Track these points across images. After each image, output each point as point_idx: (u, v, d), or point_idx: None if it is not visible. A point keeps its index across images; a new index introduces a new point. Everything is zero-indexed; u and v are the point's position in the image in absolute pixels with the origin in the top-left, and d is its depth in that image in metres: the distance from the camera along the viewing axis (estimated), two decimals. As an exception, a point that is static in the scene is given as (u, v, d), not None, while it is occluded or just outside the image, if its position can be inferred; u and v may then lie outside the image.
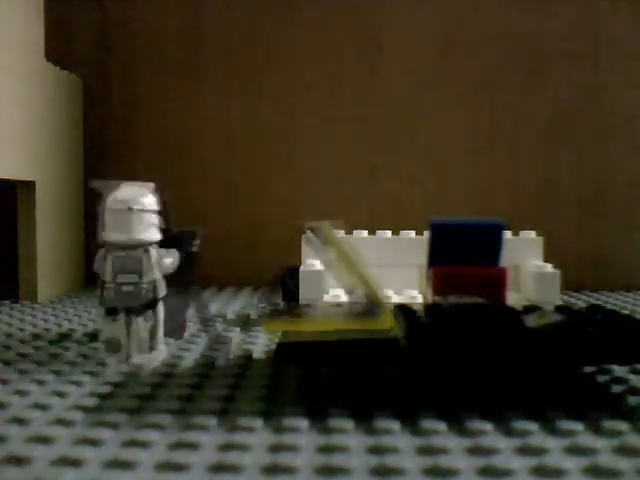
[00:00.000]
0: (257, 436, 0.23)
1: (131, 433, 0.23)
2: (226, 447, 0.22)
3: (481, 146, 0.62)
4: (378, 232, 0.46)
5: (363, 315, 0.29)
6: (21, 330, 0.41)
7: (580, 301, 0.53)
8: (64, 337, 0.39)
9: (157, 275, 0.32)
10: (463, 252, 0.34)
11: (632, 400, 0.27)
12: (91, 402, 0.27)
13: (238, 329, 0.41)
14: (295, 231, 0.36)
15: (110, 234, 0.30)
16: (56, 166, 0.55)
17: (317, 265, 0.42)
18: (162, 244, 0.31)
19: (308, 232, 0.33)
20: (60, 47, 0.61)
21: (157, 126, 0.63)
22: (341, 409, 0.25)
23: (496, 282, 0.33)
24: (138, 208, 0.30)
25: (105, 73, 0.63)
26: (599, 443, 0.22)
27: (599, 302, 0.53)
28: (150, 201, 0.31)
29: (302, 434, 0.23)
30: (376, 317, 0.27)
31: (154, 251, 0.30)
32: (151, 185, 0.32)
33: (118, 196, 0.31)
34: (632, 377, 0.30)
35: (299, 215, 0.60)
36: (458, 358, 0.27)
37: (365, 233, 0.45)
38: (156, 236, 0.31)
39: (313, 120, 0.62)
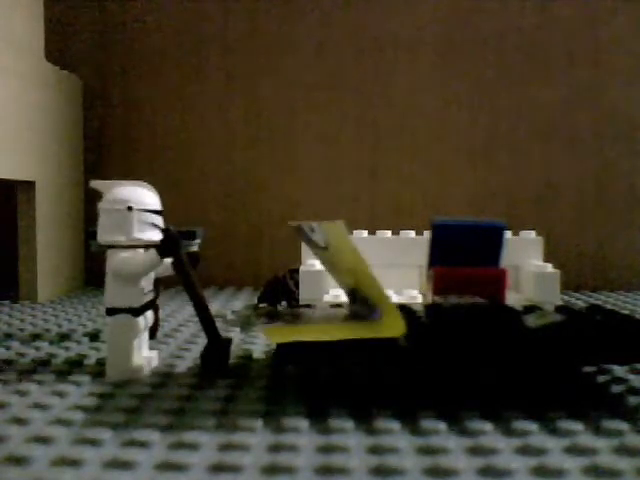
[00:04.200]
0: (257, 436, 0.23)
1: (131, 433, 0.23)
2: (226, 447, 0.22)
3: (481, 146, 0.62)
4: (378, 232, 0.46)
5: (367, 319, 0.29)
6: (21, 330, 0.41)
7: (580, 301, 0.53)
8: (64, 337, 0.39)
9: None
10: (464, 252, 0.34)
11: (632, 400, 0.27)
12: (91, 402, 0.27)
13: (238, 329, 0.41)
14: (292, 232, 0.35)
15: (109, 234, 0.30)
16: (56, 166, 0.55)
17: (317, 265, 0.42)
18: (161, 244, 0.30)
19: (308, 231, 0.32)
20: (60, 47, 0.61)
21: (157, 126, 0.63)
22: (341, 409, 0.25)
23: (496, 282, 0.34)
24: (138, 208, 0.30)
25: (105, 73, 0.63)
26: (599, 443, 0.22)
27: (599, 302, 0.53)
28: (150, 201, 0.31)
29: (302, 434, 0.23)
30: (379, 320, 0.27)
31: (152, 251, 0.30)
32: (150, 185, 0.31)
33: (117, 196, 0.30)
34: (632, 377, 0.30)
35: (299, 215, 0.61)
36: (458, 358, 0.27)
37: (365, 233, 0.45)
38: (156, 236, 0.31)
39: (313, 120, 0.62)
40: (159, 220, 0.31)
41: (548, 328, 0.27)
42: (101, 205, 0.31)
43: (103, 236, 0.30)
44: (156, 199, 0.31)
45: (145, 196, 0.31)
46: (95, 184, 0.31)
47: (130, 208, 0.30)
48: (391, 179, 0.62)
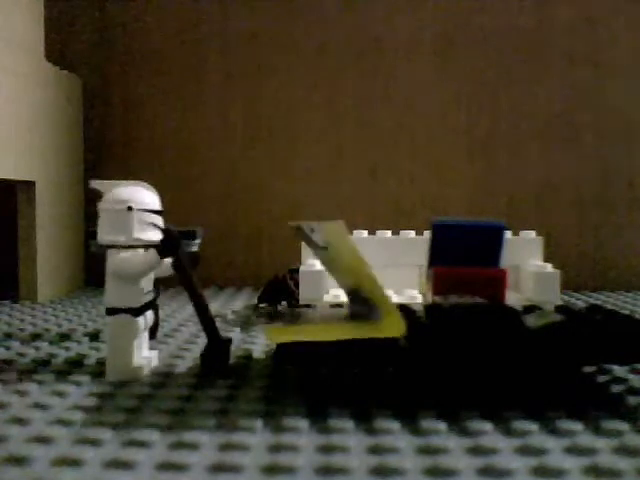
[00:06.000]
0: (257, 436, 0.23)
1: (131, 433, 0.23)
2: (226, 447, 0.22)
3: (481, 146, 0.62)
4: (378, 232, 0.46)
5: (367, 319, 0.29)
6: (21, 330, 0.41)
7: (580, 301, 0.53)
8: (64, 337, 0.39)
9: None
10: (464, 252, 0.34)
11: (632, 400, 0.27)
12: (91, 402, 0.27)
13: (238, 329, 0.41)
14: (292, 231, 0.35)
15: (109, 234, 0.30)
16: (56, 166, 0.55)
17: (317, 265, 0.42)
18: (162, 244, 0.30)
19: (308, 231, 0.32)
20: (60, 47, 0.61)
21: (157, 126, 0.63)
22: (341, 409, 0.25)
23: (496, 282, 0.34)
24: (138, 208, 0.30)
25: (105, 73, 0.63)
26: (599, 443, 0.22)
27: (599, 302, 0.53)
28: (150, 200, 0.31)
29: (302, 434, 0.23)
30: (379, 320, 0.27)
31: (152, 251, 0.30)
32: (149, 185, 0.31)
33: (117, 196, 0.30)
34: (632, 377, 0.30)
35: (299, 215, 0.61)
36: (458, 358, 0.27)
37: (365, 233, 0.45)
38: (156, 236, 0.31)
39: (313, 120, 0.62)
40: (159, 220, 0.31)
41: (548, 328, 0.27)
42: (101, 205, 0.31)
43: (103, 236, 0.30)
44: (156, 199, 0.31)
45: (145, 196, 0.31)
46: (95, 184, 0.31)
47: (130, 208, 0.30)
48: (391, 179, 0.62)
